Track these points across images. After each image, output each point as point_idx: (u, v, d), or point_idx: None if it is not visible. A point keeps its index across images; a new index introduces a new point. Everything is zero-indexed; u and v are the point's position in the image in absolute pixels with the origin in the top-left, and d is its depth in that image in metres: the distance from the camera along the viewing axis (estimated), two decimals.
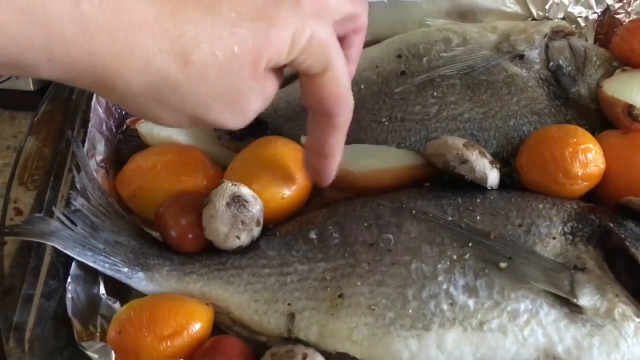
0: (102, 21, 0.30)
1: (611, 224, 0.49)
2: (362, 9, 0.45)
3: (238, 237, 0.52)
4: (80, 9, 0.30)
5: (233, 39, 0.34)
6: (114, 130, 0.62)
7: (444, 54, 0.64)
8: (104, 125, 0.60)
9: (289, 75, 0.66)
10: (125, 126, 0.63)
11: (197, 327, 0.48)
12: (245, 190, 0.52)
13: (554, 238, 0.49)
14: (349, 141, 0.60)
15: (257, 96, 0.38)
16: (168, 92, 0.34)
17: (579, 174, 0.53)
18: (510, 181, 0.57)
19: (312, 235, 0.52)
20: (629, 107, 0.56)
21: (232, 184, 0.52)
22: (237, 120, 0.39)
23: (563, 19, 0.72)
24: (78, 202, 0.52)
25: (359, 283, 0.48)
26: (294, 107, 0.65)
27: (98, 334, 0.50)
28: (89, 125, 0.57)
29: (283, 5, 0.36)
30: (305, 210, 0.58)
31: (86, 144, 0.56)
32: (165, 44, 0.32)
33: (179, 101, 0.35)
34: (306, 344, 0.47)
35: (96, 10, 0.30)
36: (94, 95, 0.59)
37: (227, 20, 0.34)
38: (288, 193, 0.56)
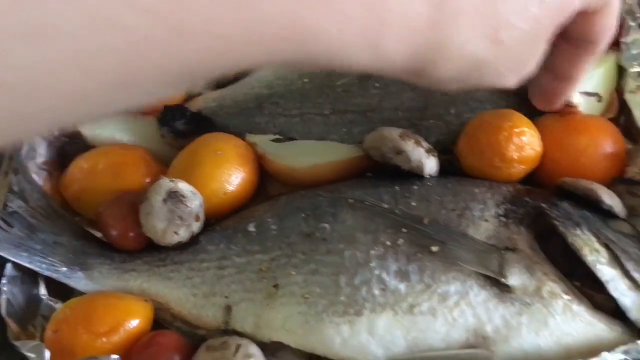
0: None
1: (544, 205, 0.49)
2: None
3: (176, 233, 0.52)
4: None
5: (540, 6, 0.33)
6: (56, 132, 0.61)
7: None
8: None
9: (235, 74, 0.68)
10: None
11: (135, 323, 0.48)
12: (182, 186, 0.52)
13: (487, 220, 0.49)
14: (292, 135, 0.62)
15: (540, 55, 0.37)
16: (475, 73, 0.34)
17: (515, 157, 0.53)
18: (452, 168, 0.57)
19: (251, 228, 0.53)
20: None
21: (170, 180, 0.52)
22: (518, 79, 0.38)
23: None
24: (15, 204, 0.52)
25: (293, 272, 0.48)
26: (240, 104, 0.65)
27: (38, 335, 0.50)
28: None
29: None
30: (250, 205, 0.58)
31: (25, 147, 0.56)
32: (479, 28, 0.31)
33: (477, 76, 0.34)
34: (242, 335, 0.47)
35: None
36: None
37: None
38: (231, 189, 0.56)
